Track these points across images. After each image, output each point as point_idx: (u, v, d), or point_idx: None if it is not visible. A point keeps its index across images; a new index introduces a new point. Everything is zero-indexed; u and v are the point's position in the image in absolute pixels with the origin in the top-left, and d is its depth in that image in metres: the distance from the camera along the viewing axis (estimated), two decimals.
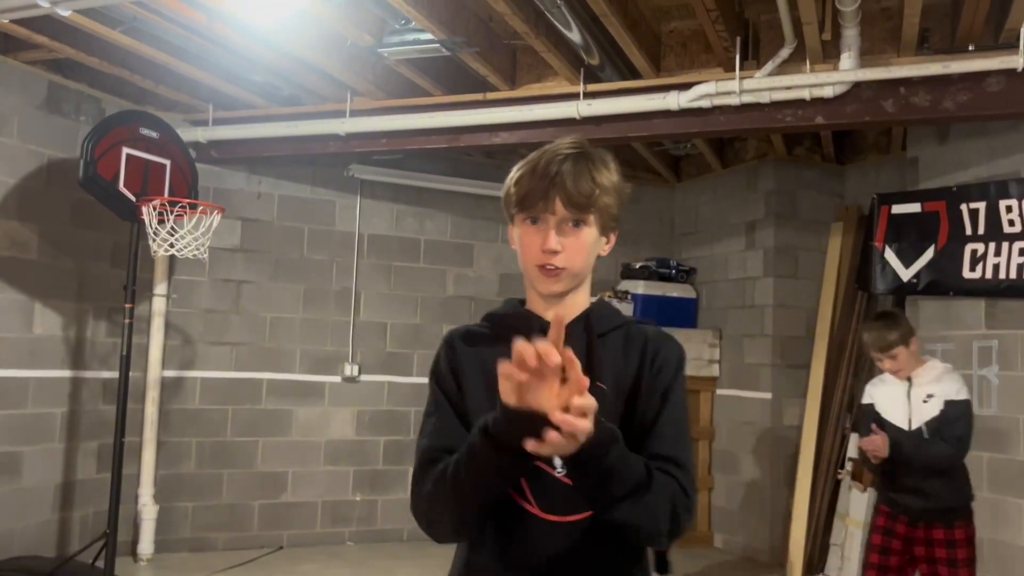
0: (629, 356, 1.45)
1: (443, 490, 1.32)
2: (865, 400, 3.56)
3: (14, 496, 4.63)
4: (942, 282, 4.73)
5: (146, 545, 5.24)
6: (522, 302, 1.53)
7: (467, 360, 1.45)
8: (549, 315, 1.38)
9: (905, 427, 3.33)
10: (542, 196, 1.39)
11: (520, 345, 1.15)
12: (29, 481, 4.72)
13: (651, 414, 1.41)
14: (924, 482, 3.28)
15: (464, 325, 1.54)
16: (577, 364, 1.16)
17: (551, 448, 1.16)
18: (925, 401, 3.34)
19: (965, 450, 3.27)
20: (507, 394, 1.19)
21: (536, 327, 1.38)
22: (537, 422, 1.16)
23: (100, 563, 4.34)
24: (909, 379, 3.41)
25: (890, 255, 5.05)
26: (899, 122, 4.46)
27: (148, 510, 5.27)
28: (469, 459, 1.28)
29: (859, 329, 3.52)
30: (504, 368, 1.18)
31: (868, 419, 3.46)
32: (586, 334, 1.45)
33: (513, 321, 1.46)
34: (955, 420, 3.26)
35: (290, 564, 5.34)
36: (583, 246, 1.42)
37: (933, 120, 4.29)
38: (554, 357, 1.14)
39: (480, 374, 1.41)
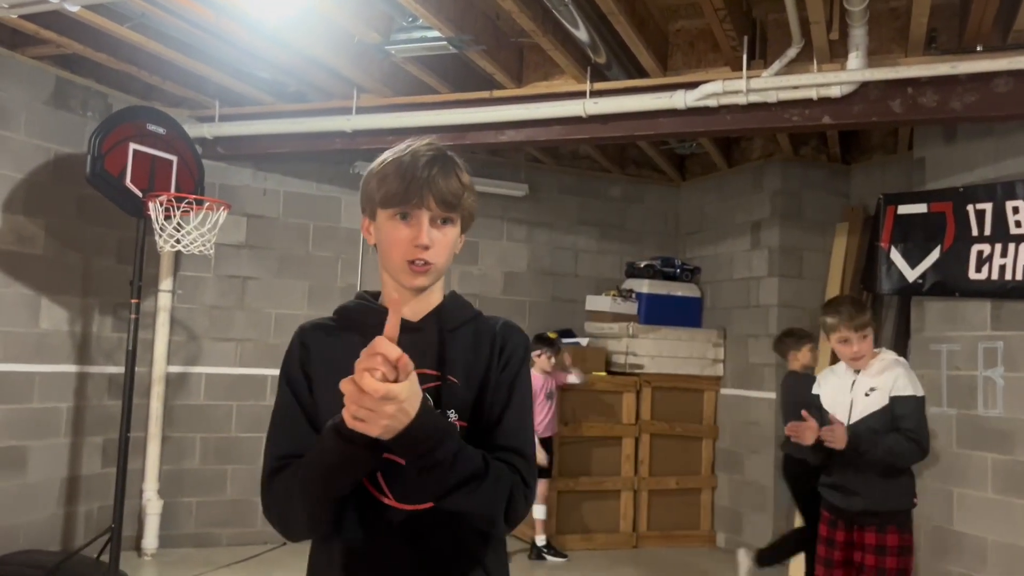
0: (479, 349, 1.51)
1: (296, 489, 1.36)
2: (814, 390, 3.39)
3: (20, 490, 4.65)
4: (948, 283, 4.72)
5: (150, 540, 5.25)
6: (375, 296, 1.57)
7: (319, 356, 1.48)
8: (404, 311, 1.45)
9: (845, 419, 3.13)
10: (416, 193, 1.43)
11: (378, 344, 1.21)
12: (35, 476, 4.74)
13: (498, 406, 1.47)
14: (862, 482, 3.07)
15: (314, 320, 1.57)
16: (405, 359, 1.22)
17: (364, 426, 1.22)
18: (867, 394, 3.13)
19: (926, 450, 3.07)
20: None
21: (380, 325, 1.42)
22: None
23: (105, 557, 4.35)
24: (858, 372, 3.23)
25: (896, 255, 5.04)
26: (906, 122, 4.45)
27: (152, 505, 5.29)
28: (321, 455, 1.32)
29: (822, 312, 3.31)
30: (359, 363, 1.22)
31: (814, 409, 3.21)
32: (438, 328, 1.51)
33: (364, 316, 1.51)
34: (903, 417, 3.05)
35: (293, 559, 5.35)
36: (449, 243, 1.49)
37: (940, 120, 4.28)
38: (393, 352, 1.21)
39: (332, 368, 1.42)
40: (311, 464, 1.34)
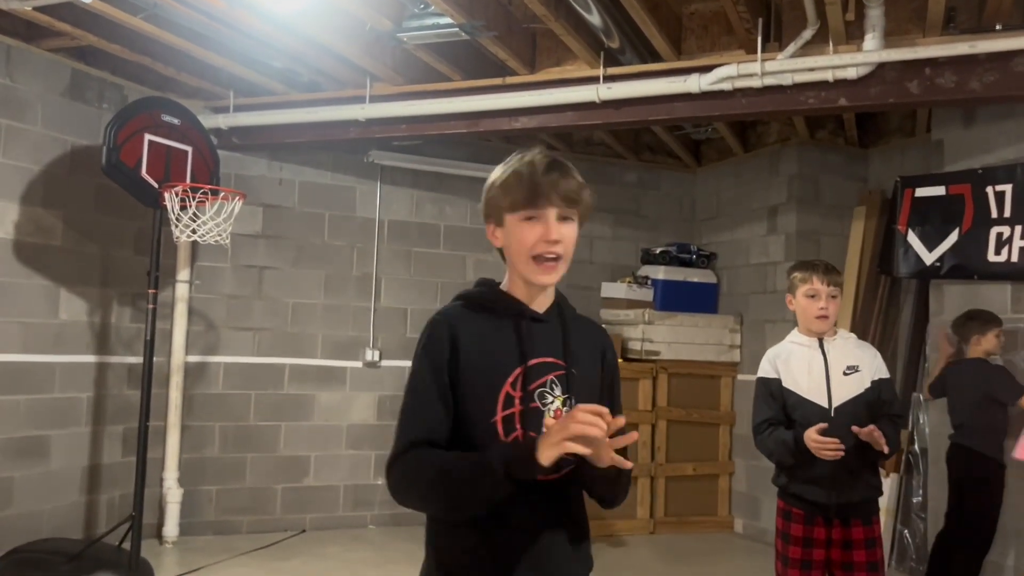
0: (589, 345, 1.73)
1: (440, 494, 1.51)
2: (766, 374, 3.03)
3: (42, 479, 4.71)
4: (967, 266, 4.67)
5: (171, 528, 5.31)
6: (492, 285, 1.71)
7: (466, 333, 1.60)
8: (527, 299, 1.66)
9: (825, 406, 2.86)
10: (543, 195, 1.58)
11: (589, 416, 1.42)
12: (57, 464, 4.80)
13: (610, 403, 1.64)
14: (842, 472, 2.81)
15: (447, 307, 1.68)
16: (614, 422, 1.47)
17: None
18: (847, 373, 2.89)
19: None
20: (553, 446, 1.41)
21: (527, 314, 1.65)
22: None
23: (126, 545, 4.40)
24: (820, 343, 2.96)
25: (913, 239, 4.99)
26: (924, 104, 4.39)
27: (173, 493, 5.34)
28: (479, 485, 1.47)
29: (791, 270, 3.09)
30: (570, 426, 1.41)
31: (771, 397, 2.97)
32: (561, 322, 1.69)
33: (506, 303, 1.66)
34: (889, 402, 2.91)
35: (313, 547, 5.40)
36: (573, 238, 1.65)
37: (959, 101, 4.22)
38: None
39: (478, 345, 1.59)
40: (461, 486, 1.48)
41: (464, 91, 4.80)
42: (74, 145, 4.86)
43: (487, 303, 1.67)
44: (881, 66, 3.94)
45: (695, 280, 6.56)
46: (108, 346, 5.10)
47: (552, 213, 1.60)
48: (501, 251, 1.69)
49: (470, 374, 1.57)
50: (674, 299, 6.40)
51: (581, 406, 1.43)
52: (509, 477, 1.44)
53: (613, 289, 6.51)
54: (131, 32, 4.42)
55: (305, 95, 5.24)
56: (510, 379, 1.58)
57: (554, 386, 1.61)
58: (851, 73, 3.96)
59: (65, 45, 4.66)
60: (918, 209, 4.98)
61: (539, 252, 1.60)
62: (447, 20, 4.03)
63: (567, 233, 1.62)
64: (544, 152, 1.66)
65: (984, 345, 4.32)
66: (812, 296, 2.94)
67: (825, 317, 2.92)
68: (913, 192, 5.00)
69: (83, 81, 4.93)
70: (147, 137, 4.56)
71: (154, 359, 4.63)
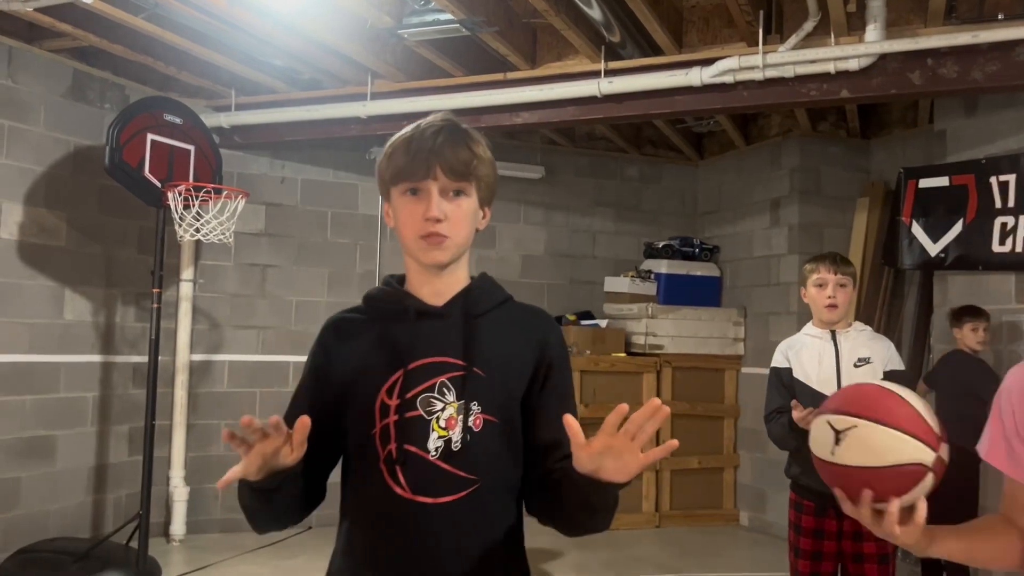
0: (513, 340, 1.45)
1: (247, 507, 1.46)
2: (778, 363, 3.06)
3: (49, 479, 4.73)
4: (971, 256, 4.67)
5: (178, 526, 5.33)
6: (401, 280, 1.52)
7: (338, 355, 1.46)
8: (425, 290, 1.45)
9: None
10: (423, 165, 1.38)
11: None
12: (63, 464, 4.82)
13: (555, 402, 1.43)
14: None
15: (341, 312, 1.54)
16: None
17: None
18: (857, 365, 2.87)
19: None
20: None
21: (412, 310, 1.44)
22: None
23: (134, 544, 4.41)
24: (833, 334, 2.96)
25: (917, 230, 4.98)
26: (926, 94, 4.38)
27: (179, 492, 5.36)
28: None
29: (804, 263, 3.08)
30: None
31: (782, 386, 2.97)
32: (464, 313, 1.44)
33: (388, 303, 1.48)
34: None
35: (318, 543, 5.41)
36: (464, 215, 1.42)
37: (961, 92, 4.21)
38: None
39: (355, 350, 1.45)
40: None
41: (465, 87, 4.80)
42: (77, 146, 4.87)
43: (375, 301, 1.50)
44: (883, 57, 3.94)
45: (698, 274, 6.55)
46: (113, 346, 5.12)
47: (433, 187, 1.38)
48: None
49: (345, 385, 1.43)
50: (677, 293, 6.40)
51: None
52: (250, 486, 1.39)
53: (616, 283, 6.51)
54: (132, 32, 4.42)
55: (306, 93, 5.24)
56: (386, 386, 1.39)
57: (446, 390, 1.38)
58: (853, 64, 3.95)
59: (67, 46, 4.67)
60: (922, 200, 4.97)
61: (423, 231, 1.39)
62: (448, 16, 4.03)
63: (453, 211, 1.39)
64: (444, 116, 1.45)
65: (966, 340, 4.36)
66: (820, 285, 2.95)
67: (834, 306, 2.90)
68: (916, 183, 4.99)
69: (85, 81, 4.94)
70: (150, 137, 4.57)
71: (159, 358, 4.64)
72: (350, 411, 1.42)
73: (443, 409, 1.37)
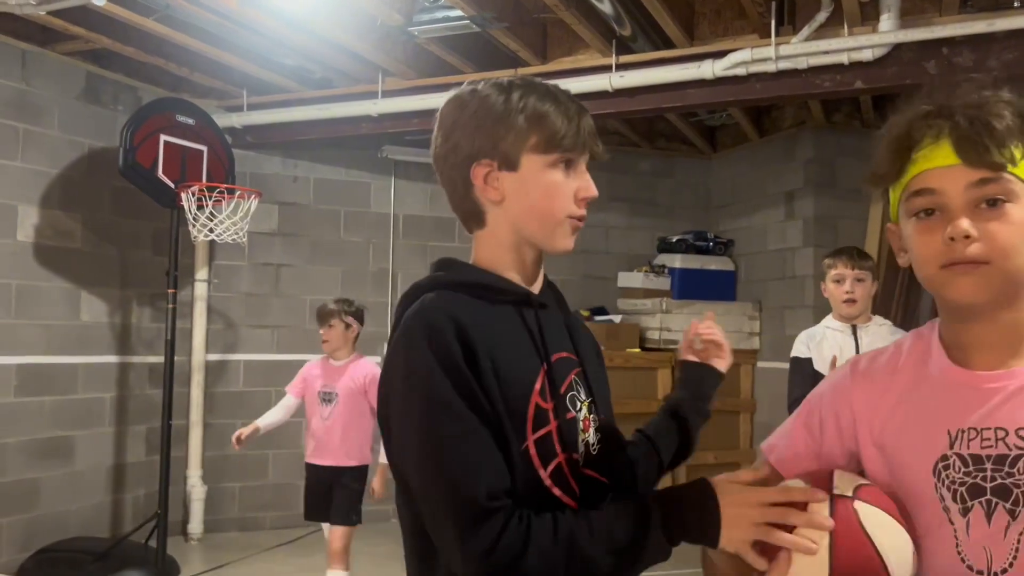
0: (582, 328, 1.39)
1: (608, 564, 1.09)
2: (799, 354, 3.10)
3: (68, 479, 4.77)
4: None
5: (196, 525, 5.36)
6: (467, 266, 1.27)
7: (477, 330, 1.13)
8: (518, 278, 1.24)
9: None
10: (585, 138, 1.23)
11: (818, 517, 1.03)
12: (82, 464, 4.85)
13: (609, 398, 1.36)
14: None
15: (438, 297, 1.18)
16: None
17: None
18: None
19: None
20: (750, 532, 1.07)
21: (534, 299, 1.25)
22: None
23: (153, 543, 4.44)
24: (854, 329, 3.00)
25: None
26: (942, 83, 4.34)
27: (197, 491, 5.39)
28: (642, 551, 1.11)
29: (823, 258, 3.13)
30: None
31: (805, 375, 2.98)
32: (558, 305, 1.32)
33: (507, 286, 1.23)
34: None
35: None
36: None
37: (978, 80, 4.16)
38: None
39: (493, 344, 1.14)
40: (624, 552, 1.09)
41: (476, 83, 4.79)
42: (91, 147, 4.89)
43: (479, 287, 1.20)
44: (897, 47, 3.90)
45: (712, 268, 6.52)
46: (129, 346, 5.15)
47: (584, 164, 1.25)
48: (474, 212, 1.24)
49: (491, 388, 1.11)
50: (691, 287, 6.37)
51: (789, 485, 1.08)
52: (671, 539, 1.11)
53: (630, 279, 6.49)
54: (144, 34, 4.44)
55: (318, 92, 5.25)
56: (537, 386, 1.15)
57: (578, 387, 1.23)
58: (867, 55, 3.92)
59: (80, 48, 4.70)
60: None
61: (573, 212, 1.22)
62: (458, 13, 4.02)
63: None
64: (557, 86, 1.28)
65: None
66: (838, 281, 2.99)
67: (852, 301, 2.94)
68: None
69: (98, 84, 4.96)
70: (163, 138, 4.59)
71: (175, 358, 4.67)
72: (499, 418, 1.12)
73: (580, 409, 1.22)
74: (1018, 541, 0.98)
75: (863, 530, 1.02)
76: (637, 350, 6.18)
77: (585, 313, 6.35)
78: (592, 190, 1.23)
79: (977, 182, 0.99)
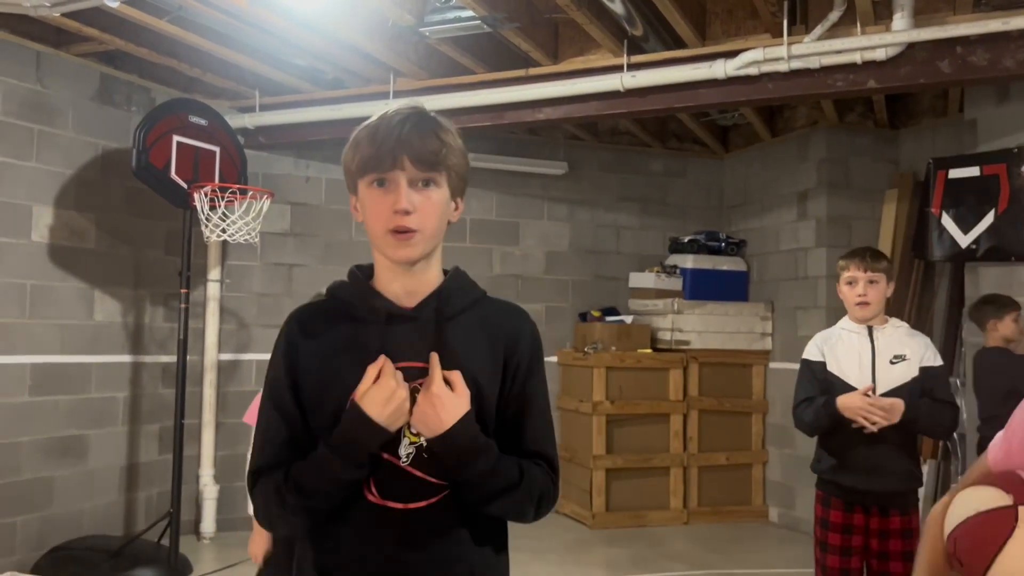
0: (484, 341, 1.41)
1: (288, 506, 1.35)
2: (811, 356, 3.03)
3: (82, 478, 4.80)
4: (1003, 247, 4.59)
5: (208, 524, 5.38)
6: (369, 272, 1.46)
7: (306, 354, 1.40)
8: (395, 287, 1.40)
9: (868, 394, 2.80)
10: (389, 154, 1.32)
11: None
12: (95, 463, 4.88)
13: (520, 413, 1.42)
14: (881, 459, 2.79)
15: (307, 304, 1.50)
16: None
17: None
18: (893, 362, 2.85)
19: (957, 418, 2.90)
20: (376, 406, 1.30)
21: (383, 312, 1.38)
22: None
23: (165, 541, 4.47)
24: (870, 330, 2.93)
25: (947, 221, 4.91)
26: (956, 83, 4.31)
27: (209, 490, 5.41)
28: (318, 475, 1.32)
29: (838, 259, 3.07)
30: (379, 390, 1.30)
31: (814, 378, 2.95)
32: (436, 317, 1.40)
33: (356, 300, 1.42)
34: (933, 388, 2.84)
35: None
36: (434, 206, 1.36)
37: (992, 80, 4.13)
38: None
39: (323, 352, 1.39)
40: (303, 487, 1.34)
41: (487, 84, 4.79)
42: (104, 148, 4.92)
43: (345, 299, 1.43)
44: (911, 46, 3.87)
45: (725, 268, 6.50)
46: (142, 346, 5.18)
47: (402, 177, 1.32)
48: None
49: (313, 389, 1.37)
50: (704, 287, 6.36)
51: (373, 370, 1.31)
52: (346, 455, 1.30)
53: (641, 279, 6.48)
54: (157, 35, 4.46)
55: (329, 92, 5.26)
56: (357, 392, 1.33)
57: (415, 396, 1.34)
58: (880, 54, 3.90)
59: (94, 50, 4.72)
60: (952, 191, 4.90)
61: (391, 225, 1.33)
62: (469, 13, 4.02)
63: (422, 202, 1.33)
64: (412, 104, 1.40)
65: (1001, 331, 4.20)
66: (851, 283, 2.94)
67: (865, 304, 2.89)
68: (946, 174, 4.92)
69: (112, 85, 4.99)
70: (175, 139, 4.62)
71: (187, 358, 4.69)
72: (317, 415, 1.37)
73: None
74: None
75: (1012, 530, 1.26)
76: (649, 350, 6.17)
77: (596, 313, 6.35)
78: (400, 202, 1.33)
79: None
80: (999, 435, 1.45)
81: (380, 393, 1.30)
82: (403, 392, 1.31)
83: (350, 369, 1.34)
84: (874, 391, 2.79)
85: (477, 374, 1.37)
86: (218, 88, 5.35)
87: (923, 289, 5.62)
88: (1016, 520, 1.26)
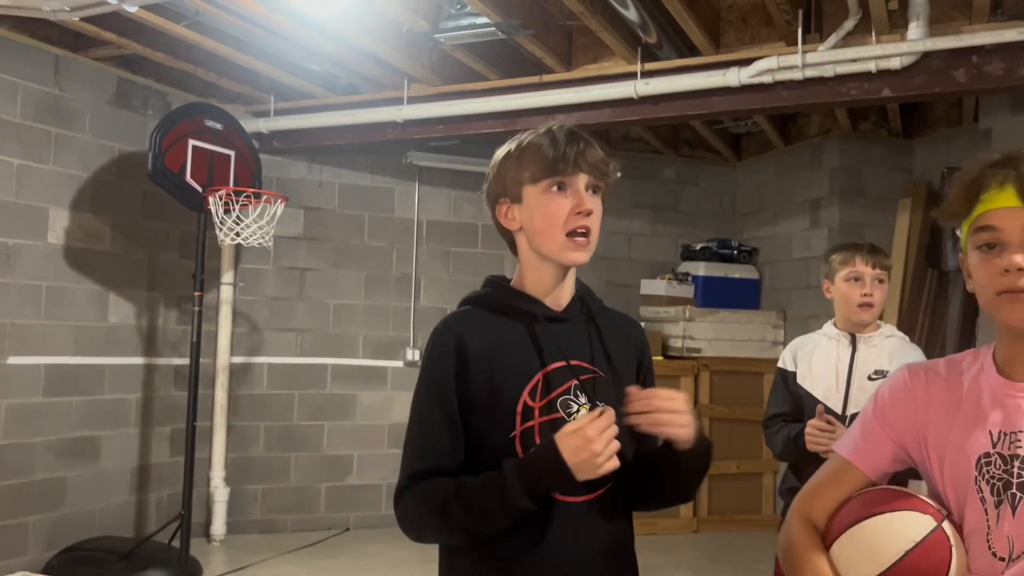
0: (620, 344, 1.52)
1: (450, 519, 1.36)
2: (784, 365, 2.71)
3: (94, 479, 4.82)
4: None
5: (219, 526, 5.40)
6: (500, 284, 1.52)
7: (475, 341, 1.43)
8: (546, 291, 1.46)
9: (838, 411, 2.46)
10: (572, 160, 1.40)
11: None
12: (108, 464, 4.91)
13: None
14: None
15: (454, 313, 1.51)
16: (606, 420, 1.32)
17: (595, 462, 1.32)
18: (872, 378, 2.47)
19: None
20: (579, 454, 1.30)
21: (542, 313, 1.45)
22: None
23: (176, 543, 4.48)
24: (853, 339, 2.56)
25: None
26: (971, 92, 4.29)
27: (220, 492, 5.43)
28: (492, 500, 1.33)
29: (829, 252, 2.70)
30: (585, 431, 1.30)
31: (786, 390, 2.64)
32: (584, 317, 1.49)
33: (518, 302, 1.47)
34: None
35: (357, 545, 5.45)
36: (601, 214, 1.45)
37: (1008, 89, 4.11)
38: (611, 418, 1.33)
39: (490, 353, 1.42)
40: (471, 513, 1.35)
41: (501, 90, 4.81)
42: (121, 152, 4.96)
43: (498, 304, 1.48)
44: (926, 55, 3.86)
45: (736, 276, 6.49)
46: (155, 348, 5.21)
47: (582, 181, 1.42)
48: (511, 241, 1.52)
49: (483, 387, 1.41)
50: (715, 295, 6.34)
51: (586, 419, 1.30)
52: (528, 490, 1.31)
53: (653, 286, 6.47)
54: (174, 40, 4.50)
55: (344, 98, 5.29)
56: (527, 388, 1.40)
57: (579, 393, 1.42)
58: (895, 63, 3.88)
59: (111, 54, 4.76)
60: None
61: (572, 226, 1.40)
62: (484, 20, 4.04)
63: (596, 206, 1.44)
64: (561, 125, 1.50)
65: None
66: (855, 279, 2.54)
67: (870, 305, 2.51)
68: None
69: (129, 89, 5.04)
70: (191, 142, 4.65)
71: (200, 360, 4.71)
72: (484, 416, 1.40)
73: (577, 411, 1.41)
74: None
75: (951, 548, 1.22)
76: (660, 358, 6.16)
77: None
78: (585, 204, 1.41)
79: None
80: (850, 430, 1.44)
81: (578, 439, 1.30)
82: (598, 447, 1.29)
83: (521, 366, 1.41)
84: (844, 415, 2.43)
85: (623, 371, 1.49)
86: (234, 93, 5.39)
87: (936, 299, 5.59)
88: (949, 541, 1.22)
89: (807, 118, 6.19)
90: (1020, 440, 1.20)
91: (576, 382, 1.42)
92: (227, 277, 5.55)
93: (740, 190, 6.92)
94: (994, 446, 1.22)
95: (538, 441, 1.37)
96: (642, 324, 1.62)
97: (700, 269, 6.39)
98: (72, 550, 4.44)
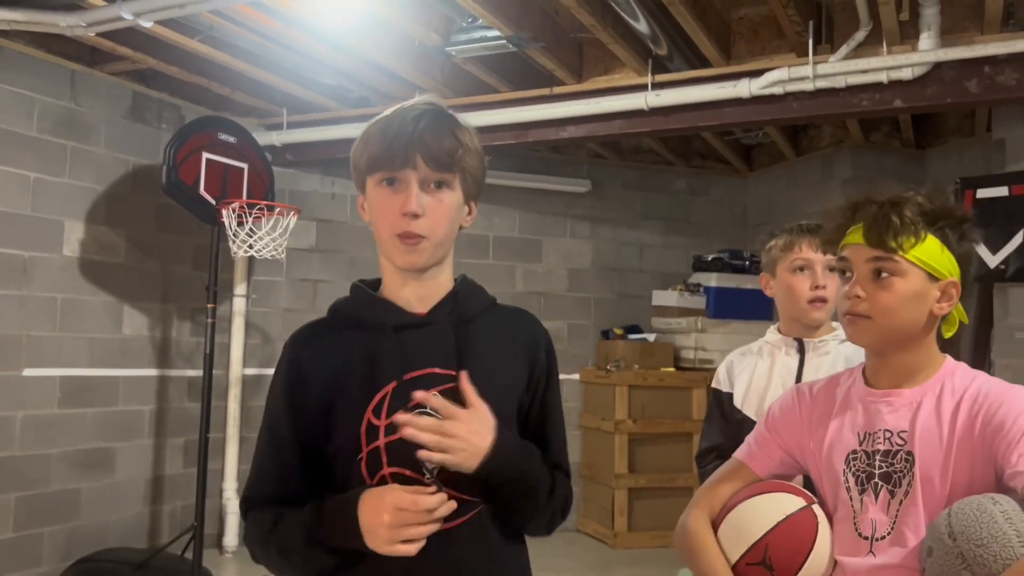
0: (504, 348, 1.35)
1: (272, 560, 1.31)
2: (718, 384, 2.23)
3: (108, 490, 4.84)
4: None
5: (231, 537, 5.40)
6: (374, 285, 1.39)
7: (312, 373, 1.32)
8: (405, 293, 1.31)
9: None
10: (401, 152, 1.23)
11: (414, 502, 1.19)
12: (121, 476, 4.93)
13: (542, 424, 1.38)
14: None
15: (307, 324, 1.40)
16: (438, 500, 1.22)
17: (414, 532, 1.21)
18: None
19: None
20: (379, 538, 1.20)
21: (391, 320, 1.31)
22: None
23: (189, 555, 4.49)
24: (801, 346, 2.08)
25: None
26: (983, 103, 4.27)
27: (232, 504, 5.43)
28: (299, 538, 1.26)
29: (765, 239, 2.28)
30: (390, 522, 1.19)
31: (720, 416, 2.16)
32: (453, 320, 1.32)
33: (360, 309, 1.35)
34: None
35: None
36: (446, 210, 1.27)
37: (1021, 99, 4.10)
38: (431, 504, 1.19)
39: (333, 369, 1.30)
40: (292, 541, 1.27)
41: (512, 102, 4.82)
42: (135, 165, 5.01)
43: (349, 315, 1.35)
44: (937, 66, 3.85)
45: (748, 287, 6.45)
46: (169, 360, 5.23)
47: (413, 177, 1.24)
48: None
49: (326, 407, 1.28)
50: (727, 306, 6.32)
51: (410, 490, 1.19)
52: (334, 550, 1.21)
53: (664, 297, 6.46)
54: (188, 54, 4.54)
55: (356, 111, 5.32)
56: (371, 405, 1.25)
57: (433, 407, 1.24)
58: (906, 74, 3.88)
59: (126, 68, 4.82)
60: (980, 211, 4.83)
61: (399, 229, 1.25)
62: (495, 33, 4.06)
63: (433, 205, 1.25)
64: (428, 100, 1.30)
65: None
66: (801, 269, 2.06)
67: (822, 300, 2.02)
68: (974, 194, 4.86)
69: (143, 103, 5.08)
70: (205, 155, 4.68)
71: (213, 372, 4.73)
72: (332, 436, 1.28)
73: None
74: (896, 515, 1.36)
75: (817, 525, 1.42)
76: (672, 369, 6.14)
77: (619, 331, 6.34)
78: (409, 204, 1.23)
79: (872, 258, 1.43)
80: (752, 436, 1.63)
81: (378, 503, 1.19)
82: (389, 520, 1.18)
83: (364, 382, 1.27)
84: None
85: (502, 379, 1.32)
86: (247, 106, 5.43)
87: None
88: (816, 519, 1.44)
89: (818, 129, 6.18)
90: (879, 438, 1.42)
91: (435, 392, 1.24)
92: (240, 289, 5.58)
93: (752, 201, 6.91)
94: (860, 444, 1.44)
95: (384, 463, 1.24)
96: (537, 319, 1.45)
97: (712, 280, 6.38)
98: (86, 561, 4.45)
